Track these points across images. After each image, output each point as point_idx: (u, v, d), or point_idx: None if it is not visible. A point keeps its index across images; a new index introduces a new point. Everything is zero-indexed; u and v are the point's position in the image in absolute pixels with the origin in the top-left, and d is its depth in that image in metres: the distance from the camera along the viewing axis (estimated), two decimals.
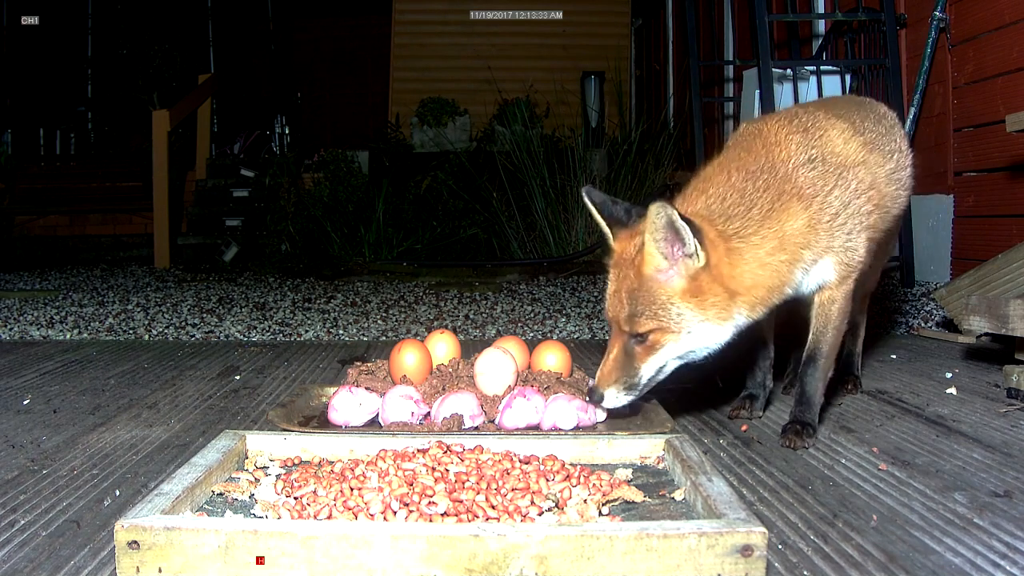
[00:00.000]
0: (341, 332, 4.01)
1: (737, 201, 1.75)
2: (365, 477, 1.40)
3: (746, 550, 1.14)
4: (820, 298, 1.92)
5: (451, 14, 10.69)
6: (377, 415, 2.00)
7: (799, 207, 1.76)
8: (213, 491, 1.46)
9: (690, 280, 1.68)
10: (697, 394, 2.48)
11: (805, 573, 1.24)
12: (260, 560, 1.14)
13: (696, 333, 1.71)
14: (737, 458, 1.82)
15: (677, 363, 1.78)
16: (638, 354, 1.74)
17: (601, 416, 2.02)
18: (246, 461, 1.63)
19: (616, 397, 1.77)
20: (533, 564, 1.13)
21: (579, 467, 1.52)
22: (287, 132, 11.26)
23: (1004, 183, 4.03)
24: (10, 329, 4.07)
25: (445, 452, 1.51)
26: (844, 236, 1.82)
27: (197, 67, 10.51)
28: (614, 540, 1.14)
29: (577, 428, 1.91)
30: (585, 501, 1.38)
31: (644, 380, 1.76)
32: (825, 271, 1.86)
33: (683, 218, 1.63)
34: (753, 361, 2.07)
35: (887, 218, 1.99)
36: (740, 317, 1.74)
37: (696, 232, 1.65)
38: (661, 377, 1.80)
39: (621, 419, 2.05)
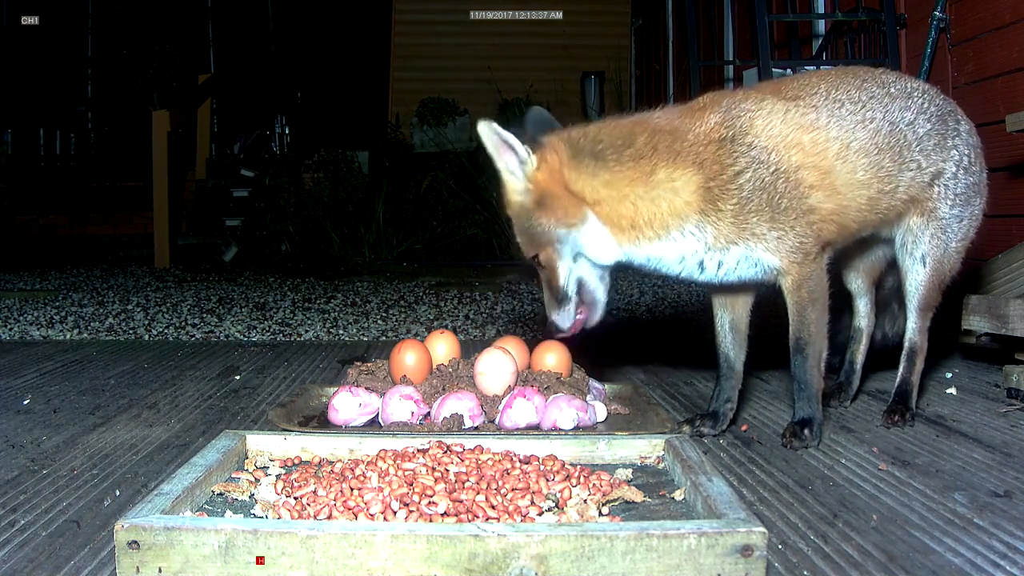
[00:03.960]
0: (341, 332, 4.01)
1: (619, 137, 1.78)
2: (365, 477, 1.40)
3: (746, 550, 1.14)
4: (786, 284, 1.85)
5: (451, 14, 10.68)
6: (377, 415, 2.00)
7: (692, 169, 1.75)
8: (213, 491, 1.46)
9: (535, 189, 1.74)
10: (698, 395, 2.48)
11: (805, 573, 1.24)
12: (260, 560, 1.14)
13: (562, 240, 1.77)
14: (737, 458, 1.82)
15: (594, 271, 1.82)
16: (550, 276, 1.81)
17: (601, 416, 2.03)
18: (246, 461, 1.63)
19: (560, 316, 1.84)
20: (533, 564, 1.13)
21: (579, 467, 1.52)
22: (287, 132, 11.26)
23: (1004, 183, 4.02)
24: (10, 329, 4.07)
25: (445, 452, 1.51)
26: (767, 222, 1.76)
27: (197, 67, 10.51)
28: (614, 540, 1.14)
29: (577, 428, 1.91)
30: (585, 501, 1.38)
31: (570, 292, 1.82)
32: (761, 256, 1.80)
33: (510, 129, 1.70)
34: (717, 378, 2.05)
35: (858, 196, 1.85)
36: (596, 223, 1.76)
37: (532, 141, 1.72)
38: (592, 285, 1.83)
39: (621, 419, 2.06)
